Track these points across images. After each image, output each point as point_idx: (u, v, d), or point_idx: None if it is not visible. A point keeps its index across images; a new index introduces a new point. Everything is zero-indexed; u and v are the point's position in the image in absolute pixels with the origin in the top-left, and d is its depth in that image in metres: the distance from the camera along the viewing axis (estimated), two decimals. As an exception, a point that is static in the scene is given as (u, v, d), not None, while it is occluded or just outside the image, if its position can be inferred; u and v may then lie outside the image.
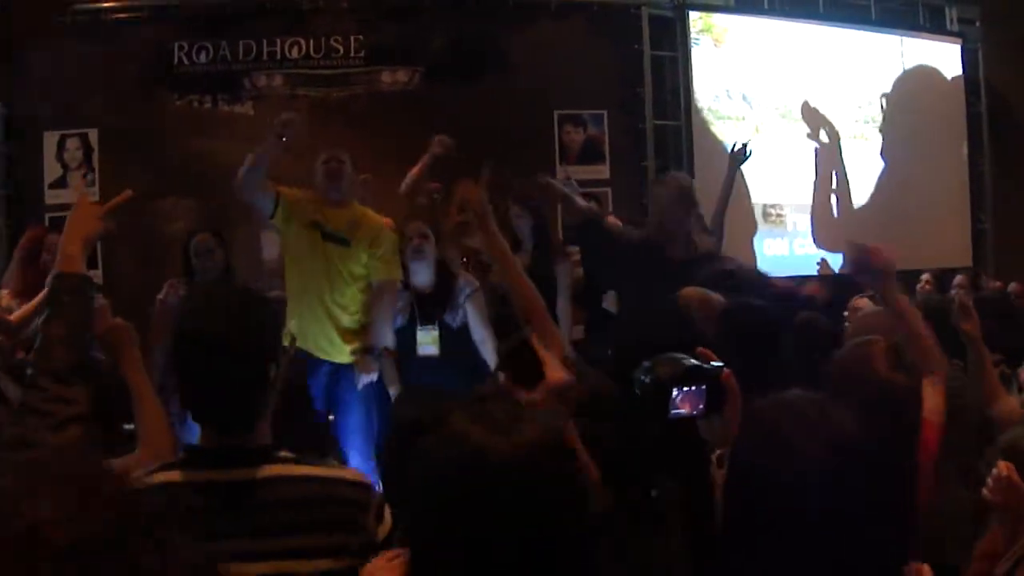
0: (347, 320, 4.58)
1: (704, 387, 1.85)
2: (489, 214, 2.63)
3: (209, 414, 1.81)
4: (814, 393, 1.43)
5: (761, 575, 1.28)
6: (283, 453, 1.84)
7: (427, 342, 4.56)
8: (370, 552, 1.75)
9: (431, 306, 4.63)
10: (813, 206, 7.85)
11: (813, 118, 7.89)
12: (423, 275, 4.64)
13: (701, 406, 1.85)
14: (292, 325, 4.35)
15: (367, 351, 4.46)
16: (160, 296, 4.04)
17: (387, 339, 4.52)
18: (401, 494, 1.89)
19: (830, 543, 1.24)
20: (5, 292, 4.92)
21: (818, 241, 7.75)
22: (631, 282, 4.32)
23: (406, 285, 4.67)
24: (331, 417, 4.49)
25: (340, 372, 4.54)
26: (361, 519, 1.79)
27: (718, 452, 1.82)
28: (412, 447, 1.82)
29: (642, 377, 1.86)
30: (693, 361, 1.88)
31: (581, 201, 4.78)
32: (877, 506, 1.27)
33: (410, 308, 4.64)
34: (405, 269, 4.65)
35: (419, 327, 4.59)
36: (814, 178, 7.87)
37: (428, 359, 4.52)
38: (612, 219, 4.99)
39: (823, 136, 7.91)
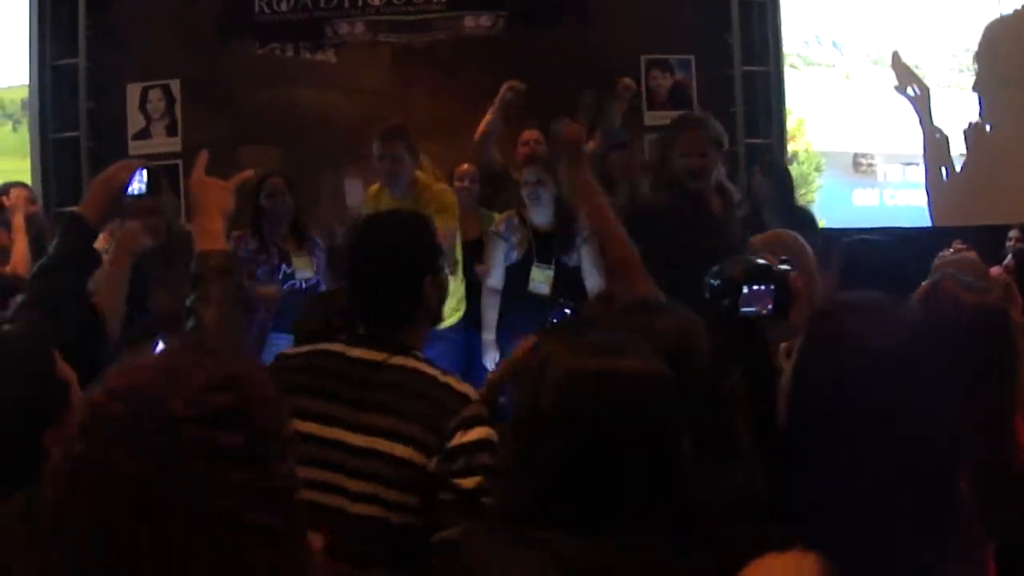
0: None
1: (772, 287, 1.91)
2: (584, 152, 2.66)
3: (367, 311, 2.14)
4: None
5: (824, 472, 1.25)
6: (417, 352, 2.08)
7: (540, 280, 4.51)
8: (439, 455, 1.91)
9: (549, 245, 4.56)
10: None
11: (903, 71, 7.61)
12: (542, 215, 4.59)
13: (770, 305, 1.91)
14: None
15: None
16: (230, 249, 4.00)
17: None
18: None
19: (895, 439, 1.22)
20: (104, 234, 4.97)
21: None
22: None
23: (523, 220, 4.62)
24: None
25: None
26: (442, 422, 1.93)
27: (785, 344, 1.82)
28: None
29: (711, 280, 1.92)
30: (762, 260, 1.97)
31: None
32: (945, 405, 1.26)
33: (528, 245, 4.56)
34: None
35: (535, 264, 4.52)
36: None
37: (537, 296, 4.44)
38: None
39: (911, 90, 7.63)
